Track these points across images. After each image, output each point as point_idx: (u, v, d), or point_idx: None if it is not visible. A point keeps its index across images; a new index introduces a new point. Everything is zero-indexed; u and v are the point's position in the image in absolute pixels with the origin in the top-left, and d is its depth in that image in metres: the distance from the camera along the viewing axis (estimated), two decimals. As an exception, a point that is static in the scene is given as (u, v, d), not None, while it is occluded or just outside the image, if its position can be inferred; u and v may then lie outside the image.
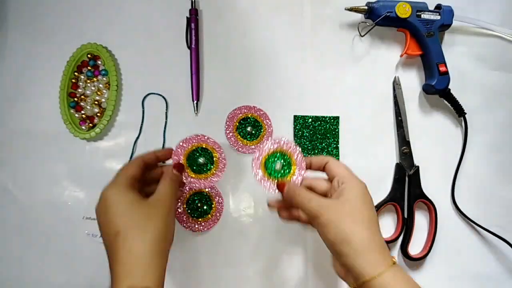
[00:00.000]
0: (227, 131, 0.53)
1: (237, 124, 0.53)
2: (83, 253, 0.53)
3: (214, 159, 0.46)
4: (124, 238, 0.36)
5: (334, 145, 0.53)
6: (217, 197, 0.52)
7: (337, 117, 0.53)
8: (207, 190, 0.52)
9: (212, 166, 0.46)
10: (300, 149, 0.44)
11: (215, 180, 0.46)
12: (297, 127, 0.53)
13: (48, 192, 0.54)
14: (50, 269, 0.53)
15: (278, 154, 0.44)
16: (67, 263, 0.53)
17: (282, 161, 0.44)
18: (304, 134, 0.53)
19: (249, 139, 0.53)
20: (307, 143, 0.53)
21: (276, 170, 0.44)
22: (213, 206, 0.52)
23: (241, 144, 0.53)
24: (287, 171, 0.44)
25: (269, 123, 0.53)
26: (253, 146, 0.53)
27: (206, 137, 0.46)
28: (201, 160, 0.46)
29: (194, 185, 0.45)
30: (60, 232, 0.53)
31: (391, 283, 0.34)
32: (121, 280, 0.35)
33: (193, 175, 0.45)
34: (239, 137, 0.53)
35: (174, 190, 0.41)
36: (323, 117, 0.53)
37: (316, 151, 0.53)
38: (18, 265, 0.53)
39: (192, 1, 0.54)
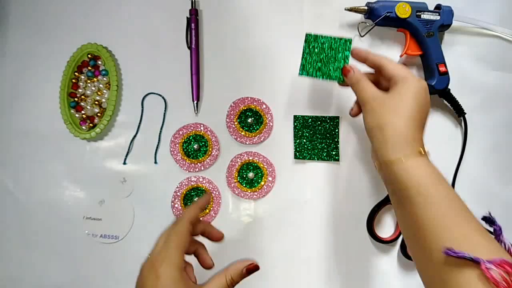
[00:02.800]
0: (228, 120, 0.53)
1: (239, 114, 0.53)
2: (83, 253, 0.53)
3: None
4: None
5: (334, 145, 0.53)
6: (214, 191, 0.53)
7: (337, 117, 0.53)
8: (205, 185, 0.52)
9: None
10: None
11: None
12: (297, 127, 0.53)
13: (48, 192, 0.54)
14: (50, 269, 0.53)
15: None
16: (67, 263, 0.53)
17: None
18: (304, 134, 0.53)
19: (249, 130, 0.53)
20: (307, 143, 0.53)
21: None
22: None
23: (241, 134, 0.53)
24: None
25: (270, 118, 0.53)
26: (252, 138, 0.53)
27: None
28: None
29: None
30: (60, 232, 0.53)
31: (410, 170, 0.37)
32: None
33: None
34: (239, 127, 0.53)
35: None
36: (323, 117, 0.53)
37: (315, 150, 0.53)
38: (18, 265, 0.53)
39: (192, 1, 0.54)
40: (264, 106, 0.54)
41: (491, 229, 0.39)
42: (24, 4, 0.56)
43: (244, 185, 0.53)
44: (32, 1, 0.56)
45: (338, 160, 0.53)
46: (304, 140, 0.53)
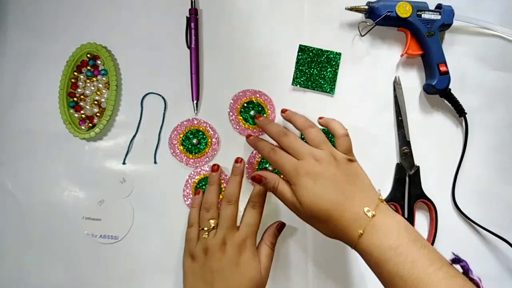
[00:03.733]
0: (231, 113, 0.53)
1: (241, 107, 0.53)
2: (83, 253, 0.53)
3: None
4: None
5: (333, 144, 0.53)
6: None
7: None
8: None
9: None
10: None
11: None
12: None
13: (47, 192, 0.54)
14: (50, 269, 0.53)
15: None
16: (67, 263, 0.53)
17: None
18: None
19: (251, 122, 0.53)
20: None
21: None
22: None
23: (243, 127, 0.53)
24: None
25: (272, 109, 0.53)
26: (255, 130, 0.53)
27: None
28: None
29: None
30: (59, 232, 0.53)
31: (361, 251, 0.39)
32: None
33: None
34: (241, 119, 0.53)
35: (272, 255, 0.47)
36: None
37: None
38: (17, 265, 0.53)
39: (192, 1, 0.54)
40: (266, 97, 0.53)
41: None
42: (24, 4, 0.56)
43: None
44: (31, 1, 0.56)
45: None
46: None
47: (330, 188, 0.40)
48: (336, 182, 0.40)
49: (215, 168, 0.51)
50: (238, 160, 0.50)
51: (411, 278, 0.35)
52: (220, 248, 0.43)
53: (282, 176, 0.44)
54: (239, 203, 0.47)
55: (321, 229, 0.42)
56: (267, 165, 0.52)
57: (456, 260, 0.43)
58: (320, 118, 0.46)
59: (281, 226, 0.49)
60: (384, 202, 0.41)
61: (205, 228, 0.45)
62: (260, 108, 0.53)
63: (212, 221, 0.46)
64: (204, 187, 0.52)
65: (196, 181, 0.52)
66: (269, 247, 0.46)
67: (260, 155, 0.52)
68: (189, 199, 0.52)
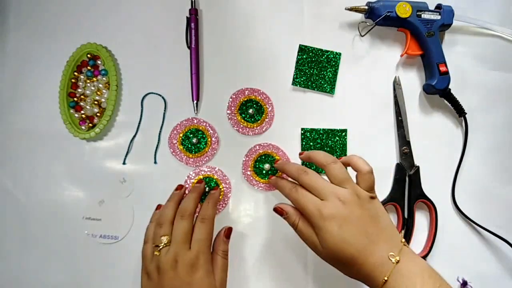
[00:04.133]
0: (229, 111, 0.53)
1: (239, 105, 0.53)
2: (83, 253, 0.53)
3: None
4: None
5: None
6: (223, 183, 0.53)
7: (345, 130, 0.53)
8: (214, 175, 0.53)
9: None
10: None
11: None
12: (304, 139, 0.53)
13: (47, 192, 0.54)
14: (50, 269, 0.53)
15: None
16: (67, 263, 0.53)
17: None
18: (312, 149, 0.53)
19: (250, 121, 0.53)
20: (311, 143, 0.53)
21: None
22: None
23: (242, 125, 0.53)
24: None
25: (271, 108, 0.53)
26: (254, 128, 0.53)
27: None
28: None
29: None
30: (59, 232, 0.53)
31: (396, 287, 0.37)
32: None
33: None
34: (240, 118, 0.53)
35: (226, 269, 0.46)
36: (331, 130, 0.53)
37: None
38: (17, 265, 0.53)
39: (192, 1, 0.54)
40: (264, 95, 0.53)
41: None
42: (24, 4, 0.56)
43: (258, 176, 0.53)
44: (31, 1, 0.56)
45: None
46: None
47: (356, 232, 0.38)
48: (361, 226, 0.39)
49: (179, 187, 0.50)
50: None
51: None
52: (171, 266, 0.41)
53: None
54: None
55: (342, 271, 0.40)
56: (262, 165, 0.53)
57: (464, 284, 0.46)
58: (340, 158, 0.44)
59: (228, 231, 0.47)
60: (406, 244, 0.40)
61: (158, 245, 0.43)
62: (259, 107, 0.53)
63: (164, 238, 0.43)
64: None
65: (195, 181, 0.52)
66: (222, 257, 0.45)
67: (254, 156, 0.53)
68: None
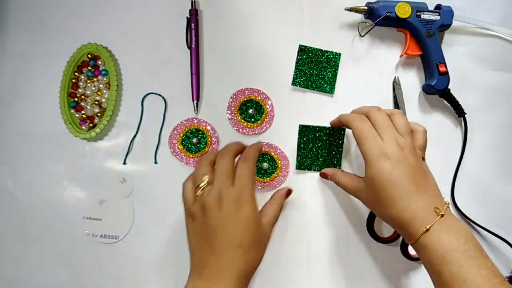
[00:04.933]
0: (229, 111, 0.53)
1: (239, 105, 0.53)
2: (83, 253, 0.53)
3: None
4: (244, 252, 0.41)
5: (338, 155, 0.53)
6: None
7: (343, 129, 0.52)
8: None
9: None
10: None
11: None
12: (301, 136, 0.53)
13: (48, 192, 0.54)
14: (50, 268, 0.53)
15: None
16: (67, 263, 0.53)
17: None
18: (309, 146, 0.53)
19: (250, 121, 0.53)
20: (312, 155, 0.53)
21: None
22: None
23: (242, 125, 0.53)
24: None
25: (271, 108, 0.53)
26: (254, 128, 0.53)
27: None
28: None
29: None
30: (60, 232, 0.53)
31: (426, 246, 0.38)
32: (225, 281, 0.40)
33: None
34: (240, 118, 0.53)
35: (279, 214, 0.48)
36: (327, 128, 0.53)
37: (319, 160, 0.53)
38: (18, 265, 0.54)
39: (192, 1, 0.54)
40: (264, 95, 0.54)
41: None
42: (24, 4, 0.56)
43: (257, 175, 0.53)
44: (32, 1, 0.56)
45: (340, 167, 0.53)
46: (309, 154, 0.53)
47: (405, 177, 0.39)
48: (411, 173, 0.40)
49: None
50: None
51: (474, 283, 0.35)
52: (216, 203, 0.41)
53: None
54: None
55: (380, 211, 0.42)
56: (260, 164, 0.52)
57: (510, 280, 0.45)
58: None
59: (290, 191, 0.50)
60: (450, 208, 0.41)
61: (200, 185, 0.42)
62: (258, 107, 0.53)
63: (205, 177, 0.42)
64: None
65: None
66: (277, 205, 0.47)
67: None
68: None
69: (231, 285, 0.39)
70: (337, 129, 0.52)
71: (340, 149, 0.52)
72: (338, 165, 0.52)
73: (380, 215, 0.42)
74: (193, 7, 0.54)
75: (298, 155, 0.52)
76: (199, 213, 0.42)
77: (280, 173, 0.52)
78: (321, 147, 0.52)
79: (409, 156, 0.40)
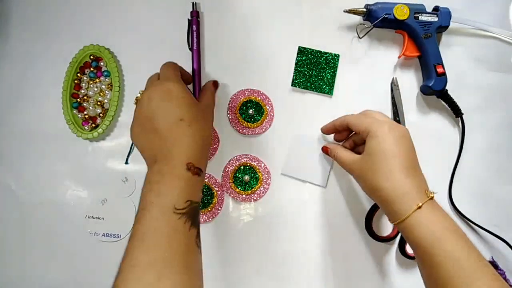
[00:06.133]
0: (229, 112, 0.54)
1: (239, 106, 0.54)
2: (86, 252, 0.53)
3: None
4: (188, 125, 0.41)
5: None
6: (217, 188, 0.53)
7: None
8: (207, 182, 0.53)
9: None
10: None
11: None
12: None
13: (50, 191, 0.55)
14: (53, 268, 0.54)
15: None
16: (70, 262, 0.54)
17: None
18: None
19: (250, 121, 0.54)
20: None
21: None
22: (214, 196, 0.53)
23: (242, 126, 0.54)
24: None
25: (270, 108, 0.54)
26: (254, 128, 0.54)
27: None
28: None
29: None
30: (62, 231, 0.54)
31: (416, 228, 0.38)
32: (178, 158, 0.39)
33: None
34: (240, 118, 0.54)
35: (214, 101, 0.50)
36: None
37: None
38: (20, 264, 0.54)
39: (193, 3, 0.54)
40: (264, 96, 0.54)
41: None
42: (27, 6, 0.57)
43: (238, 188, 0.53)
44: (34, 2, 0.57)
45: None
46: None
47: (406, 153, 0.41)
48: (412, 152, 0.42)
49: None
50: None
51: (468, 262, 0.35)
52: (146, 96, 0.43)
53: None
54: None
55: (371, 183, 0.41)
56: (243, 175, 0.53)
57: (493, 265, 0.45)
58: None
59: (216, 82, 0.52)
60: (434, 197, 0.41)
61: (138, 95, 0.46)
62: (259, 107, 0.54)
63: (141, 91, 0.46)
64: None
65: None
66: (209, 90, 0.49)
67: (236, 165, 0.53)
68: None
69: (185, 159, 0.39)
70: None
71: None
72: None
73: (370, 187, 0.42)
74: (194, 9, 0.54)
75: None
76: (136, 113, 0.43)
77: (261, 185, 0.53)
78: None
79: (409, 137, 0.42)
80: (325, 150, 0.51)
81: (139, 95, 0.46)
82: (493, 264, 0.50)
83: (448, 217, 0.39)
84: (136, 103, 0.45)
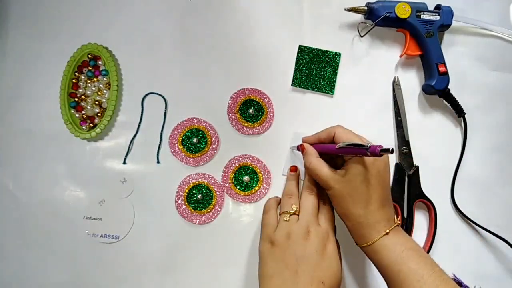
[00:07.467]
0: (229, 111, 0.53)
1: (239, 105, 0.53)
2: (84, 253, 0.53)
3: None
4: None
5: None
6: (216, 189, 0.53)
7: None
8: (205, 182, 0.53)
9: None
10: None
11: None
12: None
13: (48, 192, 0.54)
14: (51, 269, 0.53)
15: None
16: (68, 263, 0.53)
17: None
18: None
19: (250, 121, 0.53)
20: None
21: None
22: (213, 197, 0.53)
23: (242, 125, 0.53)
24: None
25: (271, 108, 0.54)
26: (254, 128, 0.53)
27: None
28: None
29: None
30: (60, 232, 0.54)
31: (383, 247, 0.41)
32: None
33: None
34: (240, 118, 0.53)
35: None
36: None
37: None
38: (18, 265, 0.54)
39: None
40: (264, 95, 0.54)
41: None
42: (25, 4, 0.57)
43: (238, 188, 0.53)
44: (32, 1, 0.56)
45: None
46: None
47: (387, 182, 0.43)
48: (387, 184, 0.43)
49: (293, 168, 0.51)
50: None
51: (430, 279, 0.38)
52: (304, 234, 0.42)
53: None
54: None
55: (348, 207, 0.42)
56: (243, 176, 0.53)
57: (458, 283, 0.47)
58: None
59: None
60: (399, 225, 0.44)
61: (287, 211, 0.44)
62: (259, 107, 0.53)
63: (294, 206, 0.44)
64: (194, 196, 0.53)
65: (187, 190, 0.53)
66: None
67: (236, 166, 0.53)
68: (180, 208, 0.53)
69: None
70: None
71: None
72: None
73: (345, 211, 0.42)
74: (193, 7, 0.54)
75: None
76: (282, 240, 0.42)
77: (261, 186, 0.53)
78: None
79: (388, 170, 0.44)
80: (301, 148, 0.48)
81: (292, 211, 0.44)
82: (456, 281, 0.51)
83: (411, 239, 0.42)
84: (287, 218, 0.44)
